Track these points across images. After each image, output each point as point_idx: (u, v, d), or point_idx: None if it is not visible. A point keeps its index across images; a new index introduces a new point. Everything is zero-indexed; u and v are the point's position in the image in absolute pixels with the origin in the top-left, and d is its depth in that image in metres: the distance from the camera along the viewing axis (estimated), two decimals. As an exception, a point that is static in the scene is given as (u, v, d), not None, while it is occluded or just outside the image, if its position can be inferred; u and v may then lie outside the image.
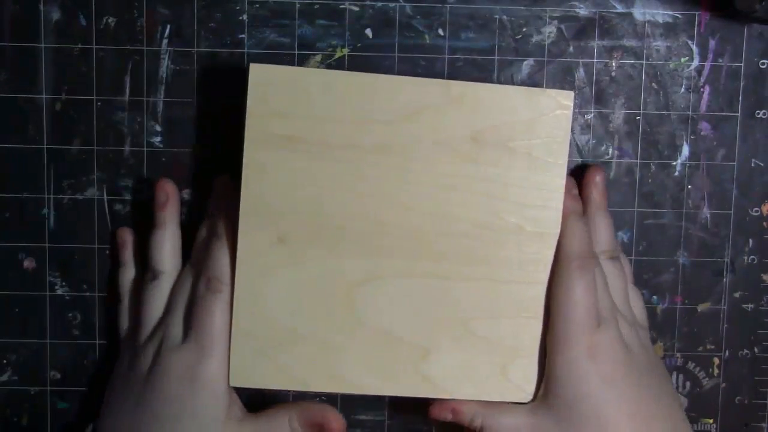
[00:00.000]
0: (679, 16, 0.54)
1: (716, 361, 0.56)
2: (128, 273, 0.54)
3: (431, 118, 0.49)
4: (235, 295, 0.49)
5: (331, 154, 0.49)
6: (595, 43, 0.54)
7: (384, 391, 0.50)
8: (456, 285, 0.50)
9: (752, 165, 0.55)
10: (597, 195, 0.53)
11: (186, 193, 0.54)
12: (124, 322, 0.53)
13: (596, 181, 0.53)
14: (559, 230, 0.50)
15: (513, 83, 0.54)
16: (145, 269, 0.52)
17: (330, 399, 0.56)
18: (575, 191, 0.52)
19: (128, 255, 0.54)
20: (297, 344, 0.50)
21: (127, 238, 0.54)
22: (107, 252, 0.54)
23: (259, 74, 0.48)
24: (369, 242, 0.49)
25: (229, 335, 0.49)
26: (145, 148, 0.54)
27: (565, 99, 0.49)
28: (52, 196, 0.54)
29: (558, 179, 0.50)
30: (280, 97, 0.48)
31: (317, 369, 0.50)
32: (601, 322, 0.49)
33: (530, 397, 0.50)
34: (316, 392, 0.53)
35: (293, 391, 0.54)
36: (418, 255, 0.50)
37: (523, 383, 0.50)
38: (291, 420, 0.50)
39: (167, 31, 0.53)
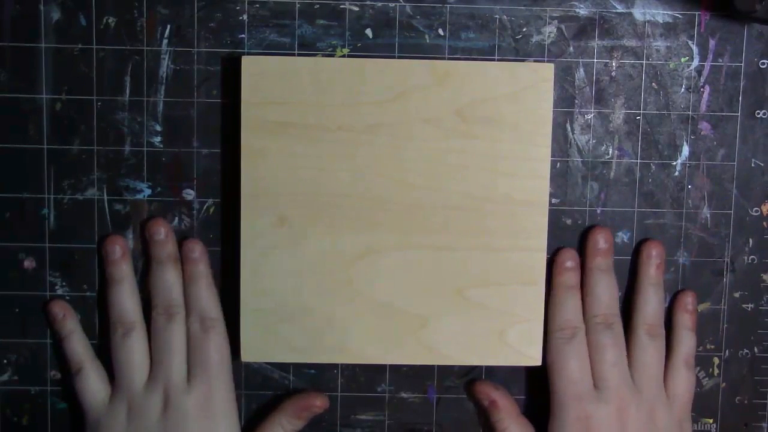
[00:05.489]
0: (679, 16, 0.54)
1: (716, 361, 0.56)
2: (78, 340, 0.54)
3: (419, 97, 0.51)
4: (240, 276, 0.52)
5: (325, 137, 0.52)
6: (595, 43, 0.54)
7: (386, 360, 0.53)
8: (450, 255, 0.52)
9: (752, 165, 0.55)
10: (652, 269, 0.54)
11: (187, 194, 0.54)
12: (94, 385, 0.53)
13: (653, 254, 0.54)
14: (547, 198, 0.52)
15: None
16: (112, 325, 0.53)
17: (330, 399, 0.56)
18: (570, 263, 0.54)
19: (71, 324, 0.54)
20: (302, 319, 0.52)
21: (58, 310, 0.54)
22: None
23: (251, 66, 0.51)
24: (365, 218, 0.52)
25: (229, 366, 0.53)
26: (145, 148, 0.54)
27: (546, 71, 0.51)
28: (52, 196, 0.54)
29: (544, 149, 0.52)
30: (272, 86, 0.51)
31: (322, 342, 0.53)
32: (600, 393, 0.52)
33: (537, 362, 0.53)
34: (322, 364, 0.56)
35: (299, 364, 0.56)
36: (413, 228, 0.52)
37: (523, 348, 0.53)
38: (282, 423, 0.54)
39: (167, 31, 0.53)
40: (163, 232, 0.53)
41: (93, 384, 0.53)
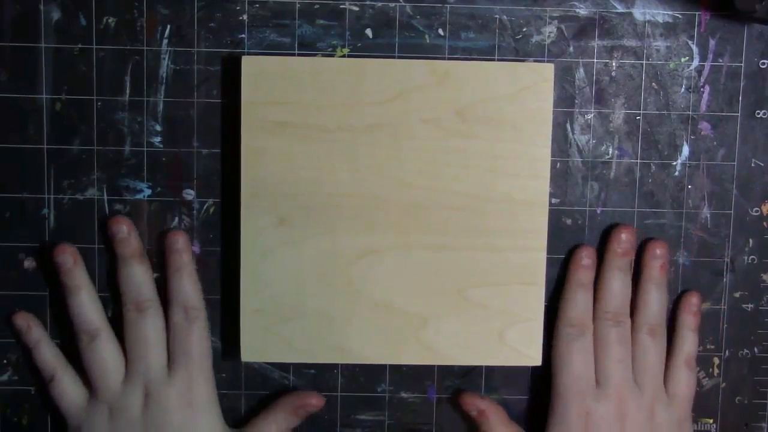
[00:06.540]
0: (679, 16, 0.54)
1: (716, 361, 0.56)
2: (46, 348, 0.54)
3: (419, 97, 0.51)
4: (240, 276, 0.52)
5: (324, 137, 0.51)
6: (595, 43, 0.54)
7: (386, 360, 0.53)
8: (450, 255, 0.52)
9: (752, 165, 0.55)
10: (655, 270, 0.54)
11: (187, 194, 0.54)
12: (70, 390, 0.53)
13: (657, 255, 0.54)
14: (547, 198, 0.52)
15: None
16: (77, 334, 0.53)
17: (330, 399, 0.56)
18: (586, 261, 0.53)
19: (37, 333, 0.54)
20: (302, 319, 0.52)
21: (22, 322, 0.54)
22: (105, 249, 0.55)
23: (251, 66, 0.51)
24: (365, 218, 0.52)
25: (210, 358, 0.53)
26: (145, 148, 0.54)
27: (546, 71, 0.51)
28: (52, 196, 0.54)
29: (544, 149, 0.52)
30: (272, 86, 0.51)
31: (322, 342, 0.52)
32: (602, 390, 0.52)
33: (537, 362, 0.53)
34: (322, 364, 0.56)
35: (299, 364, 0.56)
36: (412, 228, 0.52)
37: (523, 348, 0.53)
38: (277, 420, 0.54)
39: (167, 31, 0.53)
40: (124, 230, 0.53)
41: (68, 390, 0.53)
